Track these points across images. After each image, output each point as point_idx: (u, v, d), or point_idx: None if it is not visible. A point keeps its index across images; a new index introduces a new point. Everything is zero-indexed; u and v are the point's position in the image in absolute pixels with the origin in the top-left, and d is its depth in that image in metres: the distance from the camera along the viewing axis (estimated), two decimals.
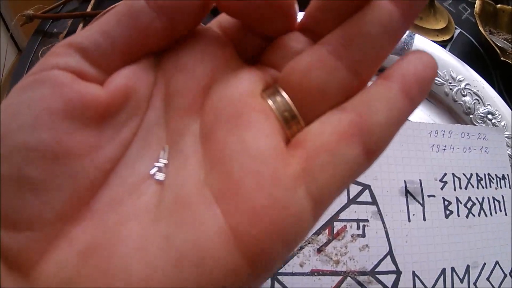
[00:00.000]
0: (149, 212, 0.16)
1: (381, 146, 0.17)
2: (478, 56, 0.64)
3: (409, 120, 0.46)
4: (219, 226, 0.15)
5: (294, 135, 0.18)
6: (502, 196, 0.43)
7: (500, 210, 0.42)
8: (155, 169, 0.17)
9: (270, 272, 0.16)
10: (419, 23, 0.62)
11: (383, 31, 0.17)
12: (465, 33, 0.67)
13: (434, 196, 0.40)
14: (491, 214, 0.42)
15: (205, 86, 0.18)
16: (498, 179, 0.44)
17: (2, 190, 0.15)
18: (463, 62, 0.52)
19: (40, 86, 0.16)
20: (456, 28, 0.67)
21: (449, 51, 0.61)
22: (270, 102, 0.18)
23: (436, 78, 0.49)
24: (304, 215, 0.16)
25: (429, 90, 0.20)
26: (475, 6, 0.63)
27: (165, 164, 0.17)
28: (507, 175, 0.45)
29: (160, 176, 0.17)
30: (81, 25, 0.62)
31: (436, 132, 0.42)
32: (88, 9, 0.63)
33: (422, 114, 0.49)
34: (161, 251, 0.15)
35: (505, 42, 0.66)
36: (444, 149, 0.42)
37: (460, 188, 0.41)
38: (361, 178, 0.38)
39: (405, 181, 0.39)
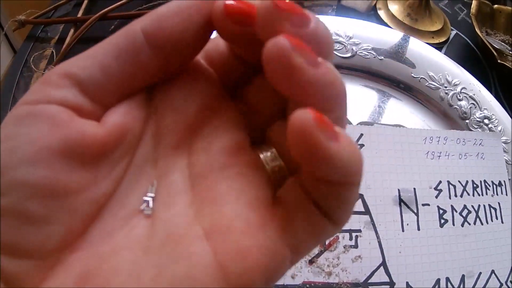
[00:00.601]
0: (141, 244, 0.17)
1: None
2: (475, 58, 0.63)
3: (403, 127, 0.46)
4: (209, 261, 0.16)
5: (281, 185, 0.19)
6: (499, 203, 0.42)
7: (497, 218, 0.42)
8: (144, 205, 0.18)
9: None
10: (414, 25, 0.61)
11: None
12: (461, 35, 0.66)
13: (428, 204, 0.39)
14: (487, 222, 0.41)
15: (193, 124, 0.19)
16: (494, 186, 0.43)
17: (3, 223, 0.15)
18: (459, 65, 0.51)
19: (38, 121, 0.16)
20: (452, 30, 0.66)
21: (445, 53, 0.61)
22: (261, 155, 0.19)
23: (432, 82, 0.48)
24: (283, 260, 0.17)
25: None
26: (472, 7, 0.63)
27: (152, 198, 0.18)
28: (504, 181, 0.44)
29: (148, 211, 0.18)
30: (72, 30, 0.61)
31: (431, 139, 0.42)
32: (79, 14, 0.63)
33: (417, 119, 0.48)
34: (153, 281, 0.16)
35: (502, 43, 0.65)
36: (439, 156, 0.41)
37: (455, 196, 0.40)
38: None
39: (398, 189, 0.39)
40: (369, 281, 0.35)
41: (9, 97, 0.58)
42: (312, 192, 0.17)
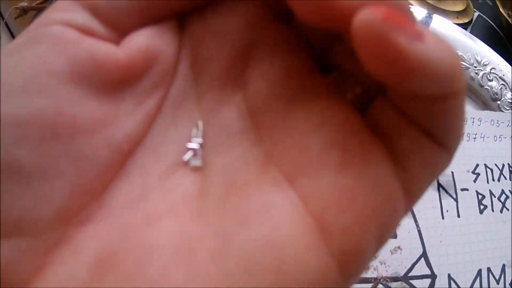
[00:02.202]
0: (190, 206, 0.12)
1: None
2: (499, 40, 0.60)
3: None
4: (298, 215, 0.11)
5: (366, 112, 0.14)
6: None
7: None
8: (190, 153, 0.13)
9: (360, 274, 0.12)
10: (437, 5, 0.58)
11: None
12: (484, 16, 0.63)
13: (467, 189, 0.36)
14: None
15: (243, 50, 0.14)
16: None
17: None
18: (486, 46, 0.48)
19: (38, 43, 0.12)
20: (474, 11, 0.63)
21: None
22: (332, 78, 0.14)
23: (461, 62, 0.45)
24: (398, 203, 0.12)
25: None
26: None
27: (200, 144, 0.13)
28: None
29: (197, 162, 0.13)
30: None
31: (466, 120, 0.38)
32: None
33: None
34: (216, 257, 0.11)
35: None
36: (475, 138, 0.38)
37: (493, 180, 0.38)
38: None
39: None
40: (410, 274, 0.32)
41: None
42: (408, 113, 0.12)
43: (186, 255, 0.11)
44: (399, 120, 0.13)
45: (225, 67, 0.14)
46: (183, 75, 0.14)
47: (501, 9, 0.55)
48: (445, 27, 0.48)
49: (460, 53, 0.46)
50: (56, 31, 0.12)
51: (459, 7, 0.60)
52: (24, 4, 0.60)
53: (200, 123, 0.14)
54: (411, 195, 0.13)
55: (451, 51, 0.11)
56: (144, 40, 0.13)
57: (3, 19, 1.14)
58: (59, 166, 0.11)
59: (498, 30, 0.61)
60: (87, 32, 0.12)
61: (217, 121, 0.14)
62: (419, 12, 0.49)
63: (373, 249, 0.12)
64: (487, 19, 0.62)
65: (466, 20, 0.60)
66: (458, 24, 0.56)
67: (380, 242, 0.12)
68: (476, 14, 0.63)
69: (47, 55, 0.12)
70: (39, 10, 0.61)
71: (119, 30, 0.13)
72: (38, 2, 0.61)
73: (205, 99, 0.14)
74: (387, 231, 0.12)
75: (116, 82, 0.13)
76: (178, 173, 0.13)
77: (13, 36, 1.15)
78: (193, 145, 0.13)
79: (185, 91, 0.14)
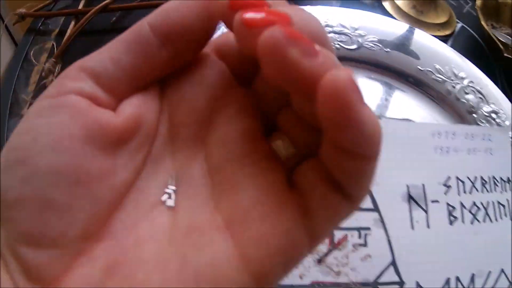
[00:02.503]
0: (164, 235, 0.17)
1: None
2: (481, 51, 0.61)
3: (411, 121, 0.44)
4: (230, 250, 0.16)
5: (293, 171, 0.18)
6: (507, 200, 0.41)
7: (506, 215, 0.40)
8: (165, 196, 0.18)
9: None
10: (419, 17, 0.60)
11: None
12: (467, 27, 0.65)
13: (438, 201, 0.38)
14: (496, 220, 0.40)
15: (206, 116, 0.19)
16: (503, 182, 0.42)
17: (26, 211, 0.16)
18: (465, 59, 0.49)
19: (59, 111, 0.17)
20: (457, 22, 0.64)
21: (451, 46, 0.59)
22: (274, 143, 0.19)
23: (438, 75, 0.47)
24: (302, 244, 0.17)
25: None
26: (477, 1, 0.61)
27: (173, 190, 0.18)
28: None
29: (171, 202, 0.18)
30: (73, 22, 0.59)
31: (440, 133, 0.40)
32: (80, 6, 0.61)
33: (424, 113, 0.47)
34: (179, 270, 0.16)
35: (508, 37, 0.64)
36: (448, 151, 0.40)
37: (465, 192, 0.39)
38: None
39: (407, 185, 0.37)
40: (379, 280, 0.34)
41: (9, 90, 0.57)
42: (331, 167, 0.16)
43: (161, 268, 0.16)
44: (315, 180, 0.17)
45: (194, 130, 0.19)
46: (162, 136, 0.19)
47: (482, 22, 0.57)
48: (425, 41, 0.49)
49: (438, 66, 0.47)
50: (73, 101, 0.17)
51: (442, 19, 0.62)
52: (22, 10, 0.62)
53: (174, 174, 0.19)
54: (315, 239, 0.17)
55: (379, 123, 0.15)
56: (134, 109, 0.18)
57: (3, 21, 1.16)
58: (80, 203, 0.16)
59: (480, 41, 0.62)
60: (93, 99, 0.17)
61: (187, 174, 0.19)
62: (401, 26, 0.51)
63: (280, 274, 0.17)
64: (470, 30, 0.64)
65: (448, 32, 0.61)
66: (440, 37, 0.58)
67: (286, 270, 0.17)
68: (460, 25, 0.65)
69: (68, 122, 0.16)
70: (36, 16, 0.62)
71: (115, 95, 0.18)
72: (34, 9, 0.63)
73: (179, 156, 0.19)
74: (292, 263, 0.17)
75: (115, 142, 0.17)
76: (158, 209, 0.18)
77: (13, 40, 1.16)
78: (169, 190, 0.18)
79: (163, 149, 0.19)
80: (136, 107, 0.18)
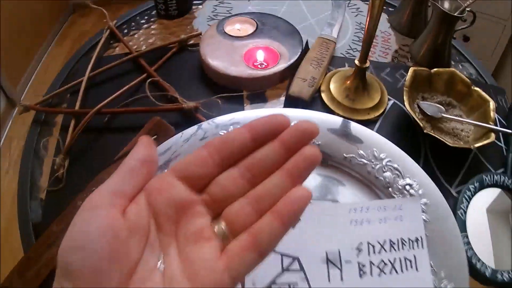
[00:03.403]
0: (160, 284, 0.34)
1: (267, 251, 0.35)
2: (409, 125, 0.79)
3: (332, 202, 0.63)
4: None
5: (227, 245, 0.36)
6: (414, 256, 0.58)
7: (411, 267, 0.58)
8: (159, 265, 0.35)
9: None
10: (352, 105, 0.80)
11: (272, 162, 0.37)
12: (398, 103, 0.84)
13: (350, 261, 0.56)
14: (402, 271, 0.57)
15: (176, 219, 0.36)
16: (411, 242, 0.59)
17: (82, 278, 0.32)
18: (387, 140, 0.68)
19: (100, 216, 0.34)
20: (390, 99, 0.84)
21: (380, 123, 0.79)
22: (216, 228, 0.36)
23: (361, 159, 0.66)
24: (228, 285, 0.34)
25: (301, 213, 0.36)
26: (406, 79, 0.81)
27: (161, 262, 0.35)
28: (420, 237, 0.60)
29: (161, 267, 0.35)
30: (72, 121, 0.80)
31: (355, 209, 0.59)
32: (77, 106, 0.82)
33: (346, 191, 0.67)
34: None
35: (438, 105, 0.82)
36: (362, 223, 0.58)
37: (374, 253, 0.57)
38: (291, 251, 0.55)
39: (326, 251, 0.56)
40: None
41: (26, 183, 0.76)
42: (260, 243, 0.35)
43: None
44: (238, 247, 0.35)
45: (168, 229, 0.36)
46: (152, 231, 0.36)
47: (407, 105, 0.76)
48: (357, 129, 0.69)
49: (361, 152, 0.67)
50: (107, 213, 0.34)
51: (374, 101, 0.81)
52: (27, 103, 0.82)
53: (161, 254, 0.35)
54: (236, 280, 0.35)
55: None
56: (135, 217, 0.35)
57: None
58: (115, 271, 0.32)
59: (410, 114, 0.79)
60: (117, 207, 0.35)
61: (167, 252, 0.35)
62: (335, 120, 0.70)
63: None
64: (401, 105, 0.82)
65: (377, 114, 0.81)
66: (368, 120, 0.77)
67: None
68: (391, 102, 0.84)
69: (106, 224, 0.34)
70: (39, 111, 0.83)
71: (128, 200, 0.36)
72: (37, 103, 0.83)
73: (162, 242, 0.36)
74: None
75: (130, 236, 0.34)
76: (155, 272, 0.34)
77: (4, 92, 1.38)
78: (159, 263, 0.35)
79: (153, 238, 0.36)
80: (140, 213, 0.36)
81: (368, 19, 0.71)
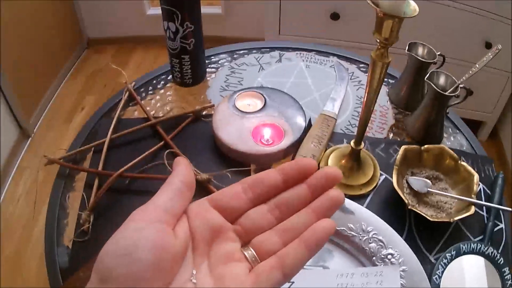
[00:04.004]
0: None
1: (292, 273, 0.41)
2: (398, 197, 0.90)
3: (323, 268, 0.78)
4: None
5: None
6: None
7: None
8: (193, 278, 0.40)
9: None
10: (346, 182, 0.94)
11: (298, 202, 0.44)
12: (389, 178, 0.97)
13: None
14: None
15: (209, 240, 0.42)
16: None
17: (124, 283, 0.36)
18: (374, 214, 0.83)
19: (151, 230, 0.39)
20: (381, 174, 0.99)
21: (372, 197, 0.94)
22: (245, 253, 0.43)
23: (350, 232, 0.81)
24: None
25: (325, 242, 0.42)
26: (397, 158, 0.94)
27: (194, 275, 0.41)
28: None
29: (194, 281, 0.40)
30: (96, 180, 0.95)
31: (342, 275, 0.74)
32: (100, 167, 0.97)
33: (336, 259, 0.82)
34: None
35: (425, 180, 0.94)
36: (346, 286, 0.73)
37: None
38: None
39: None
40: None
41: (53, 231, 0.89)
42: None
43: None
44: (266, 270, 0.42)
45: (202, 248, 0.42)
46: (189, 249, 0.42)
47: (395, 184, 0.89)
48: (350, 206, 0.84)
49: (350, 225, 0.82)
50: (158, 227, 0.41)
51: (367, 178, 0.95)
52: (52, 157, 0.96)
53: (195, 270, 0.41)
54: None
55: None
56: (185, 233, 0.42)
57: (8, 104, 1.58)
58: (157, 281, 0.38)
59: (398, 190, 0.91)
60: (166, 223, 0.41)
61: (200, 269, 0.41)
62: None
63: None
64: (391, 179, 0.93)
65: (369, 190, 0.95)
66: (361, 195, 0.92)
67: None
68: (383, 176, 0.98)
69: (157, 239, 0.39)
70: (62, 165, 0.98)
71: (176, 218, 0.43)
72: (60, 157, 0.98)
73: (195, 260, 0.42)
74: None
75: (175, 254, 0.40)
76: (188, 283, 0.40)
77: (17, 121, 1.55)
78: (193, 277, 0.41)
79: (189, 255, 0.41)
80: (185, 232, 0.41)
81: (364, 101, 0.82)
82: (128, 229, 0.39)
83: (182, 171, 0.45)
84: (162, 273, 0.38)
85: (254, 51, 1.35)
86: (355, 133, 0.92)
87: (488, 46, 2.30)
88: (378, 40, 0.71)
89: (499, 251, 0.86)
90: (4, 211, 2.41)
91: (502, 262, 0.84)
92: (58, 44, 3.22)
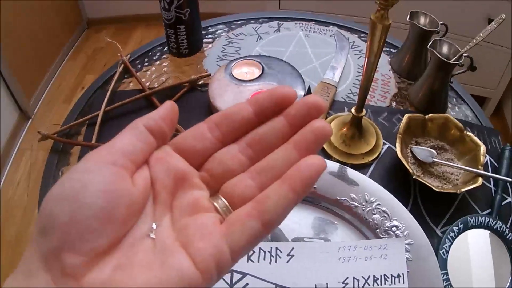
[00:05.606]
0: (150, 251, 0.32)
1: (273, 222, 0.33)
2: (402, 167, 0.87)
3: (324, 241, 0.74)
4: (188, 261, 0.31)
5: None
6: None
7: None
8: (151, 233, 0.34)
9: (213, 284, 0.33)
10: (347, 150, 0.90)
11: (275, 138, 0.36)
12: (393, 147, 0.94)
13: None
14: None
15: (172, 189, 0.36)
16: (393, 278, 0.70)
17: (72, 231, 0.30)
18: (378, 185, 0.79)
19: (105, 172, 0.33)
20: (384, 143, 0.95)
21: (375, 166, 0.90)
22: (214, 203, 0.36)
23: (352, 202, 0.77)
24: (227, 255, 0.32)
25: (313, 185, 0.34)
26: (400, 126, 0.90)
27: (153, 229, 0.34)
28: (402, 273, 0.71)
29: (153, 236, 0.34)
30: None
31: (344, 248, 0.70)
32: (93, 139, 0.93)
33: (338, 231, 0.77)
34: (160, 270, 0.31)
35: (430, 150, 0.91)
36: (349, 260, 0.69)
37: (359, 287, 0.68)
38: (285, 283, 0.66)
39: (315, 284, 0.67)
40: None
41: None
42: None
43: (148, 270, 0.31)
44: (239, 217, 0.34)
45: (164, 198, 0.36)
46: (149, 200, 0.35)
47: (398, 153, 0.86)
48: (353, 174, 0.80)
49: (353, 195, 0.78)
50: (113, 169, 0.34)
51: (369, 146, 0.91)
52: (46, 132, 0.93)
53: (154, 224, 0.34)
54: (235, 253, 0.33)
55: None
56: (145, 182, 0.35)
57: (8, 87, 1.52)
58: (107, 231, 0.31)
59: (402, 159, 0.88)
60: (124, 167, 0.34)
61: (161, 222, 0.35)
62: (332, 165, 0.81)
63: (217, 276, 0.32)
64: (394, 149, 0.89)
65: (372, 159, 0.91)
66: (363, 164, 0.88)
67: (222, 274, 0.33)
68: (386, 146, 0.94)
69: (112, 182, 0.33)
70: (58, 141, 0.94)
71: (135, 165, 0.36)
72: (54, 132, 0.94)
73: (156, 212, 0.35)
74: (226, 268, 0.33)
75: (132, 202, 0.33)
76: (146, 238, 0.33)
77: (17, 103, 1.50)
78: (152, 232, 0.34)
79: (149, 207, 0.35)
80: (145, 180, 0.35)
81: (365, 67, 0.80)
82: (77, 170, 0.33)
83: (153, 116, 0.37)
84: (113, 224, 0.32)
85: (252, 21, 1.31)
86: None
87: (491, 22, 2.25)
88: (377, 2, 0.67)
89: (508, 226, 0.83)
90: (5, 193, 2.39)
91: (510, 237, 0.81)
92: (57, 25, 3.19)
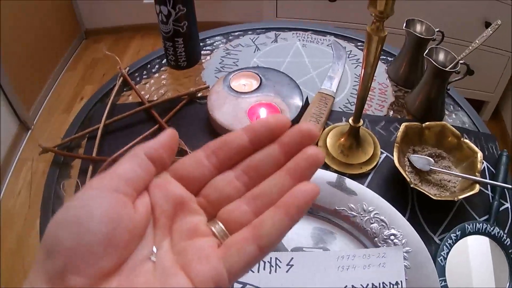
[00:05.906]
0: (151, 274, 0.34)
1: (269, 246, 0.35)
2: (399, 176, 0.88)
3: (323, 250, 0.75)
4: (187, 283, 0.33)
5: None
6: None
7: None
8: (152, 256, 0.35)
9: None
10: (345, 160, 0.91)
11: (270, 165, 0.38)
12: (390, 156, 0.94)
13: None
14: None
15: (171, 215, 0.38)
16: (391, 285, 0.71)
17: (77, 254, 0.31)
18: (375, 194, 0.80)
19: (108, 199, 0.34)
20: (382, 153, 0.96)
21: (373, 176, 0.91)
22: (212, 228, 0.38)
23: (351, 212, 0.78)
24: (225, 277, 0.34)
25: (307, 209, 0.35)
26: (398, 135, 0.90)
27: (154, 253, 0.36)
28: (400, 281, 0.72)
29: (153, 259, 0.35)
30: (91, 167, 0.92)
31: (343, 257, 0.71)
32: (94, 153, 0.94)
33: (337, 241, 0.78)
34: None
35: (427, 158, 0.92)
36: (348, 269, 0.70)
37: None
38: None
39: None
40: None
41: (47, 220, 0.89)
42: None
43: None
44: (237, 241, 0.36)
45: (163, 223, 0.37)
46: (150, 224, 0.37)
47: (396, 162, 0.86)
48: (351, 185, 0.81)
49: (351, 205, 0.79)
50: (116, 197, 0.35)
51: (367, 156, 0.91)
52: (46, 146, 0.94)
53: (155, 248, 0.36)
54: (233, 276, 0.35)
55: None
56: (146, 208, 0.37)
57: (7, 99, 1.52)
58: (111, 255, 0.33)
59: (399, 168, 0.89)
60: (126, 194, 0.35)
61: (161, 246, 0.36)
62: (331, 175, 0.82)
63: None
64: (392, 158, 0.90)
65: (369, 168, 0.92)
66: (361, 174, 0.89)
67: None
68: (384, 155, 0.95)
69: (113, 208, 0.34)
70: (58, 154, 0.95)
71: (137, 192, 0.37)
72: (55, 145, 0.95)
73: (156, 237, 0.37)
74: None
75: (134, 227, 0.35)
76: (147, 261, 0.35)
77: (16, 114, 1.50)
78: (153, 255, 0.35)
79: (150, 231, 0.36)
80: (146, 207, 0.36)
81: (362, 77, 0.80)
82: (82, 196, 0.34)
83: (153, 144, 0.39)
84: (115, 249, 0.33)
85: (249, 32, 1.32)
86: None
87: (488, 26, 2.26)
88: (373, 14, 0.68)
89: (505, 232, 0.83)
90: (5, 204, 2.40)
91: (508, 243, 0.82)
92: (56, 35, 3.20)
